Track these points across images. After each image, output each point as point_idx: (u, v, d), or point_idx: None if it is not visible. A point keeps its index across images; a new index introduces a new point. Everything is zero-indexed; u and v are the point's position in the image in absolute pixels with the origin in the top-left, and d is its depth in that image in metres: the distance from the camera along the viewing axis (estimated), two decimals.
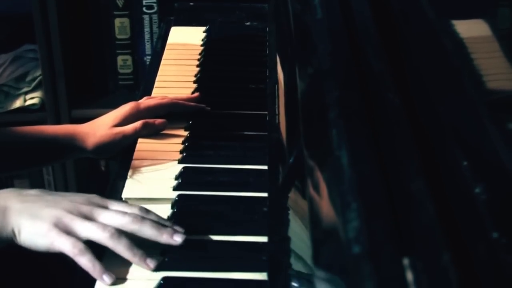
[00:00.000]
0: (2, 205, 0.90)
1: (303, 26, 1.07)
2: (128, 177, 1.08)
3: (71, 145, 1.19)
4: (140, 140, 1.18)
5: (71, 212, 0.89)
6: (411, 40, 0.89)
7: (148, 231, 0.89)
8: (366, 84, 0.83)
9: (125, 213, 0.91)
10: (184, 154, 1.13)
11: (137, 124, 1.18)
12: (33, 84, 2.05)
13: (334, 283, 0.64)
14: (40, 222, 0.88)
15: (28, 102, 2.04)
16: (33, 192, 0.93)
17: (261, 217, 0.97)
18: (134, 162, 1.12)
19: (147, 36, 2.08)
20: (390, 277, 0.57)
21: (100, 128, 1.19)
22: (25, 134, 1.20)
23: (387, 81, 0.82)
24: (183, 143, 1.17)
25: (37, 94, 2.05)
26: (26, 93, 2.06)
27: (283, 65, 1.18)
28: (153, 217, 0.92)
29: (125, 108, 1.21)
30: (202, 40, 1.56)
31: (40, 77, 2.03)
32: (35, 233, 0.88)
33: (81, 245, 0.87)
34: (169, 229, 0.90)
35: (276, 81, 1.20)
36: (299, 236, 0.82)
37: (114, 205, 0.93)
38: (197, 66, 1.44)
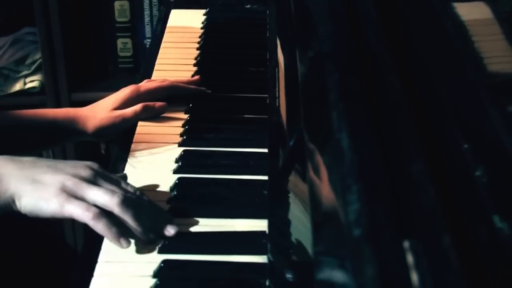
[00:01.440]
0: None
1: (304, 8, 1.07)
2: (128, 160, 1.08)
3: (72, 128, 1.19)
4: (140, 123, 1.18)
5: (74, 177, 0.88)
6: (412, 22, 0.88)
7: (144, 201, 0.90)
8: (366, 66, 0.83)
9: (127, 183, 0.91)
10: (184, 137, 1.13)
11: (137, 107, 1.18)
12: (33, 67, 2.05)
13: (335, 266, 0.64)
14: (44, 187, 0.87)
15: (28, 85, 2.04)
16: (29, 159, 0.91)
17: (262, 200, 0.97)
18: (134, 145, 1.12)
19: (147, 19, 2.07)
20: (390, 259, 0.57)
21: (100, 111, 1.19)
22: (26, 117, 1.20)
23: (388, 64, 0.82)
24: (183, 126, 1.17)
25: (37, 77, 2.05)
26: (26, 76, 2.05)
27: (283, 47, 1.18)
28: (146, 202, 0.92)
29: (125, 91, 1.21)
30: (202, 23, 1.55)
31: (40, 60, 2.03)
32: (39, 198, 0.87)
33: (95, 209, 0.86)
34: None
35: (276, 64, 1.19)
36: (299, 219, 0.82)
37: (114, 176, 0.93)
38: (197, 49, 1.44)
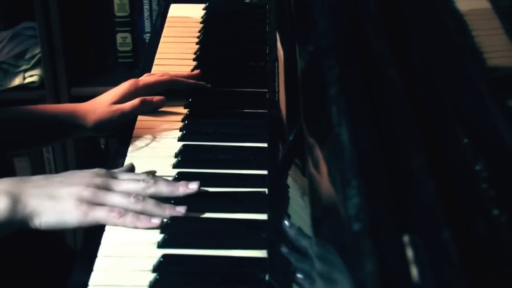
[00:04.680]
0: (15, 190, 0.90)
1: (303, 3, 1.07)
2: (127, 154, 1.08)
3: (72, 123, 1.19)
4: (140, 117, 1.18)
5: (88, 186, 0.91)
6: (412, 16, 0.88)
7: (164, 189, 0.93)
8: (366, 61, 0.83)
9: (138, 180, 0.94)
10: (184, 131, 1.13)
11: (135, 101, 1.18)
12: (32, 61, 2.05)
13: (334, 260, 0.64)
14: (63, 201, 0.89)
15: (27, 80, 2.04)
16: (39, 177, 0.94)
17: (261, 194, 0.97)
18: (134, 140, 1.12)
19: (146, 13, 2.07)
20: (390, 254, 0.57)
21: (100, 105, 1.19)
22: (26, 113, 1.20)
23: (388, 58, 0.82)
24: (182, 120, 1.17)
25: (36, 72, 2.04)
26: (25, 70, 2.05)
27: (283, 42, 1.18)
28: (162, 180, 0.95)
29: (124, 86, 1.21)
30: (202, 17, 1.55)
31: (39, 54, 2.02)
32: (61, 211, 0.89)
33: (118, 208, 0.90)
34: (182, 182, 0.95)
35: (276, 58, 1.19)
36: (299, 213, 0.82)
37: (123, 175, 0.96)
38: (197, 43, 1.44)
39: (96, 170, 0.96)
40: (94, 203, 0.90)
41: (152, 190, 0.93)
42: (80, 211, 0.89)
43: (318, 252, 0.69)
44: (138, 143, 1.11)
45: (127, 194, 0.91)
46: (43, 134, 1.23)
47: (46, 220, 0.89)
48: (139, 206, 0.91)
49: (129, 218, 0.90)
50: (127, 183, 0.93)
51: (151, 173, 0.97)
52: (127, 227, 0.90)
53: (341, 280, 0.61)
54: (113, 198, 0.91)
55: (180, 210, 0.92)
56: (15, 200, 0.89)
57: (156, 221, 0.90)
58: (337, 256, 0.64)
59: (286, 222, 0.82)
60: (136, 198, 0.91)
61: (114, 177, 0.95)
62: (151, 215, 0.91)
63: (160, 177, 0.97)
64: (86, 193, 0.90)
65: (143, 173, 0.97)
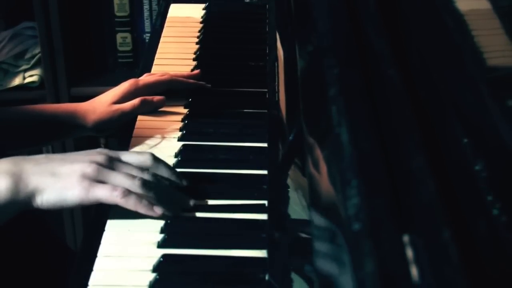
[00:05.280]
0: (16, 169, 0.88)
1: (303, 2, 1.07)
2: None
3: (72, 122, 1.19)
4: (139, 117, 1.18)
5: (92, 163, 0.90)
6: (412, 16, 0.88)
7: (165, 172, 0.94)
8: (366, 61, 0.83)
9: (142, 168, 0.93)
10: (184, 131, 1.13)
11: (135, 101, 1.18)
12: (32, 61, 2.05)
13: (334, 260, 0.64)
14: (65, 177, 0.88)
15: (27, 80, 2.04)
16: (41, 156, 0.93)
17: (261, 194, 0.97)
18: (134, 140, 1.12)
19: (146, 13, 2.07)
20: (390, 254, 0.57)
21: (100, 105, 1.19)
22: (25, 112, 1.20)
23: (388, 58, 0.82)
24: (182, 120, 1.17)
25: (36, 72, 2.04)
26: (25, 70, 2.05)
27: (283, 42, 1.18)
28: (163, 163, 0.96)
29: (125, 85, 1.21)
30: (202, 17, 1.55)
31: (39, 54, 2.02)
32: (62, 188, 0.88)
33: (121, 188, 0.88)
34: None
35: (276, 58, 1.19)
36: (299, 213, 0.82)
37: (126, 156, 0.95)
38: (197, 43, 1.44)
39: (101, 150, 0.95)
40: (97, 181, 0.89)
41: (153, 170, 0.93)
42: (82, 188, 0.87)
43: (318, 251, 0.69)
44: (138, 143, 1.11)
45: (132, 176, 0.90)
46: (43, 133, 1.23)
47: (47, 198, 0.88)
48: (143, 190, 0.89)
49: (132, 200, 0.88)
50: (131, 167, 0.92)
51: (154, 156, 0.96)
52: (128, 208, 0.89)
53: (341, 280, 0.61)
54: (117, 177, 0.90)
55: (158, 211, 0.91)
56: (16, 180, 0.88)
57: (158, 211, 0.90)
58: (337, 256, 0.64)
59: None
60: (142, 181, 0.89)
61: (116, 156, 0.94)
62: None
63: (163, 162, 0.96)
64: (89, 169, 0.89)
65: (148, 153, 0.96)
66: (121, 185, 0.89)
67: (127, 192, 0.88)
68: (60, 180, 0.88)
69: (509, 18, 0.74)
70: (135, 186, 0.89)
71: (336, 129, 0.72)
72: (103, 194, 0.88)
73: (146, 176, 0.91)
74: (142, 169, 0.93)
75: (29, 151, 2.09)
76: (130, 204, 0.88)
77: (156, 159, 0.95)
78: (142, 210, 0.89)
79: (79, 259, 0.90)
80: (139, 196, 0.89)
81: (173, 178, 0.95)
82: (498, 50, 0.75)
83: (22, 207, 0.88)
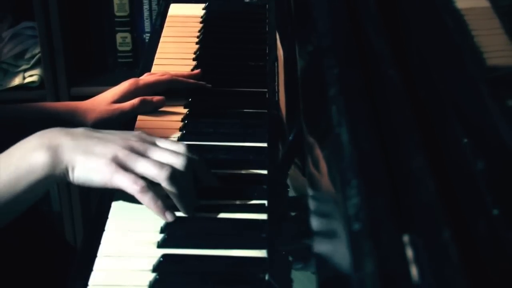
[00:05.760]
0: (54, 143, 0.90)
1: (303, 2, 1.07)
2: None
3: (72, 121, 1.19)
4: (139, 117, 1.18)
5: (125, 148, 0.91)
6: (412, 16, 0.88)
7: (197, 166, 0.94)
8: (366, 61, 0.83)
9: (176, 152, 0.93)
10: (184, 131, 1.13)
11: (135, 101, 1.18)
12: (32, 61, 2.05)
13: (334, 260, 0.64)
14: (95, 158, 0.89)
15: (27, 80, 2.04)
16: (81, 130, 0.94)
17: (261, 194, 0.97)
18: None
19: (146, 13, 2.07)
20: (390, 254, 0.57)
21: (100, 104, 1.19)
22: (25, 110, 1.20)
23: (388, 58, 0.81)
24: (182, 120, 1.17)
25: (36, 72, 2.04)
26: (25, 70, 2.05)
27: (282, 42, 1.18)
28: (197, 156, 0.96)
29: (124, 85, 1.21)
30: (202, 17, 1.55)
31: (39, 54, 2.03)
32: (91, 169, 0.89)
33: (142, 182, 0.89)
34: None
35: (276, 58, 1.19)
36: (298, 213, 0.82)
37: (161, 142, 0.95)
38: (197, 43, 1.44)
39: (138, 133, 0.96)
40: (125, 167, 0.89)
41: (187, 163, 0.92)
42: (108, 172, 0.88)
43: (317, 251, 0.69)
44: None
45: (161, 165, 0.90)
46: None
47: (78, 176, 0.89)
48: (167, 183, 0.89)
49: (147, 198, 0.89)
50: (166, 154, 0.92)
51: (189, 146, 0.96)
52: (142, 203, 0.89)
53: (341, 280, 0.61)
54: (145, 165, 0.90)
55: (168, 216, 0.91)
56: (53, 154, 0.89)
57: (169, 216, 0.90)
58: (337, 256, 0.64)
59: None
60: (169, 172, 0.89)
61: (152, 142, 0.94)
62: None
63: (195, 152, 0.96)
64: (120, 154, 0.90)
65: (182, 144, 0.96)
66: (147, 175, 0.90)
67: (146, 189, 0.88)
68: (91, 159, 0.89)
69: (509, 18, 0.74)
70: (161, 177, 0.90)
71: (336, 129, 0.72)
72: (124, 183, 0.89)
73: (179, 163, 0.92)
74: (177, 153, 0.93)
75: None
76: (146, 200, 0.89)
77: (190, 150, 0.95)
78: (154, 210, 0.90)
79: (79, 259, 0.90)
80: (156, 196, 0.89)
81: (202, 172, 0.95)
82: (498, 50, 0.75)
83: (58, 181, 0.90)
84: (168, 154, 0.92)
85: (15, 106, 1.21)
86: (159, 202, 0.89)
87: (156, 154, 0.92)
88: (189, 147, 0.96)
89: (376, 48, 0.84)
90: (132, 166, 0.90)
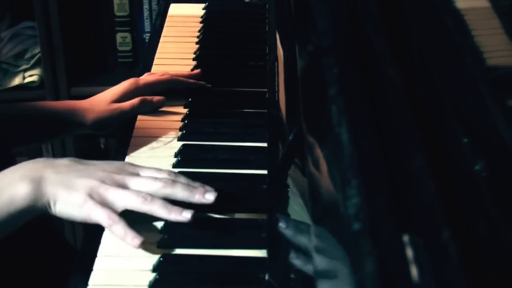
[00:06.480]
0: (37, 175, 0.90)
1: (303, 2, 1.07)
2: (127, 154, 1.08)
3: (71, 120, 1.19)
4: (139, 117, 1.18)
5: (104, 181, 0.90)
6: (412, 16, 0.88)
7: (180, 193, 0.91)
8: (366, 61, 0.83)
9: (156, 178, 0.92)
10: (184, 131, 1.13)
11: (135, 100, 1.18)
12: (32, 61, 2.05)
13: (334, 260, 0.64)
14: (75, 193, 0.89)
15: (27, 80, 2.04)
16: (65, 161, 0.93)
17: (261, 194, 0.97)
18: (133, 140, 1.12)
19: (146, 13, 2.07)
20: (390, 254, 0.57)
21: (99, 103, 1.19)
22: (25, 109, 1.20)
23: (388, 58, 0.81)
24: (182, 120, 1.17)
25: (36, 72, 2.04)
26: (25, 70, 2.05)
27: (282, 42, 1.18)
28: (183, 180, 0.93)
29: (125, 85, 1.21)
30: (202, 17, 1.55)
31: (39, 54, 2.03)
32: (71, 204, 0.89)
33: (115, 216, 0.88)
34: (200, 189, 0.92)
35: (275, 58, 1.19)
36: (299, 213, 0.82)
37: (145, 172, 0.94)
38: (197, 43, 1.44)
39: (121, 164, 0.95)
40: (102, 201, 0.89)
41: (167, 190, 0.91)
42: (86, 207, 0.88)
43: (317, 251, 0.69)
44: (138, 143, 1.11)
45: (137, 193, 0.90)
46: (41, 130, 1.23)
47: (59, 210, 0.89)
48: (146, 207, 0.89)
49: (117, 228, 0.87)
50: (143, 181, 0.92)
51: (174, 173, 0.95)
52: (116, 236, 0.88)
53: (341, 280, 0.61)
54: (121, 198, 0.89)
55: (187, 215, 0.89)
56: (35, 187, 0.89)
57: (136, 241, 0.87)
58: (337, 256, 0.64)
59: (282, 224, 0.82)
60: (144, 198, 0.89)
61: (135, 173, 0.93)
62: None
63: (182, 177, 0.94)
64: (99, 189, 0.89)
65: (167, 171, 0.95)
66: (125, 206, 0.89)
67: (117, 221, 0.87)
68: (71, 194, 0.89)
69: (509, 18, 0.74)
70: (136, 204, 0.89)
71: (336, 129, 0.72)
72: (100, 219, 0.88)
73: (155, 187, 0.91)
74: (156, 179, 0.92)
75: (29, 150, 2.10)
76: (116, 230, 0.88)
77: (174, 175, 0.94)
78: (125, 240, 0.87)
79: (79, 259, 0.90)
80: (126, 225, 0.87)
81: (187, 200, 0.92)
82: (498, 50, 0.75)
83: (40, 213, 0.90)
84: (146, 181, 0.92)
85: (14, 105, 1.21)
86: (129, 231, 0.87)
87: (134, 183, 0.91)
88: (171, 172, 0.95)
89: (376, 48, 0.84)
90: (109, 200, 0.89)
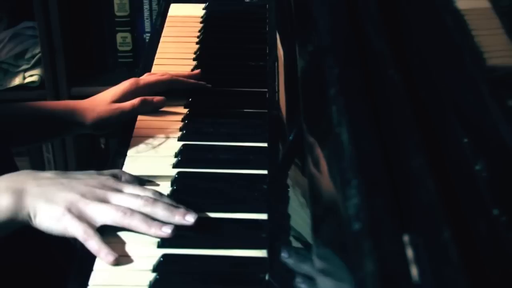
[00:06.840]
0: (19, 188, 0.90)
1: (303, 2, 1.07)
2: (127, 154, 1.08)
3: (71, 120, 1.19)
4: (140, 117, 1.18)
5: (85, 196, 0.90)
6: (412, 16, 0.88)
7: (160, 212, 0.90)
8: (366, 60, 0.83)
9: (138, 195, 0.91)
10: (184, 131, 1.13)
11: (135, 101, 1.18)
12: (32, 61, 2.05)
13: (334, 260, 0.64)
14: (55, 206, 0.89)
15: (27, 80, 2.04)
16: (48, 174, 0.93)
17: (261, 194, 0.97)
18: (134, 140, 1.12)
19: (146, 13, 2.07)
20: (390, 254, 0.57)
21: (99, 103, 1.19)
22: (25, 109, 1.20)
23: (388, 58, 0.82)
24: (183, 120, 1.17)
25: (36, 72, 2.04)
26: (25, 70, 2.05)
27: (283, 42, 1.18)
28: (166, 200, 0.92)
29: (125, 85, 1.21)
30: (202, 17, 1.55)
31: (39, 54, 2.03)
32: (50, 217, 0.89)
33: (90, 231, 0.87)
34: (181, 209, 0.91)
35: (276, 58, 1.19)
36: (299, 213, 0.82)
37: (129, 188, 0.93)
38: (197, 43, 1.44)
39: (105, 178, 0.94)
40: (81, 216, 0.88)
41: (147, 209, 0.90)
42: (64, 221, 0.88)
43: (318, 252, 0.69)
44: (138, 143, 1.11)
45: (116, 207, 0.89)
46: (41, 130, 1.23)
47: (39, 223, 0.89)
48: (126, 221, 0.88)
49: (91, 243, 0.87)
50: (124, 198, 0.91)
51: (159, 193, 0.93)
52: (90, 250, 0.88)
53: (341, 280, 0.61)
54: (100, 213, 0.89)
55: (166, 230, 0.88)
56: (17, 199, 0.89)
57: (110, 258, 0.86)
58: (337, 256, 0.64)
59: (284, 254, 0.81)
60: (124, 212, 0.88)
61: (118, 189, 0.93)
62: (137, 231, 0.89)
63: (165, 197, 0.93)
64: (79, 203, 0.89)
65: (151, 190, 0.94)
66: (104, 221, 0.89)
67: (92, 235, 0.87)
68: (51, 208, 0.89)
69: (509, 18, 0.74)
70: (115, 219, 0.88)
71: (336, 129, 0.72)
72: (77, 234, 0.87)
73: (136, 204, 0.90)
74: (137, 196, 0.91)
75: (29, 150, 2.10)
76: (90, 245, 0.87)
77: (158, 194, 0.93)
78: (98, 255, 0.87)
79: (79, 259, 0.90)
80: (100, 241, 0.87)
81: (167, 221, 0.90)
82: (498, 50, 0.75)
83: (21, 225, 0.90)
84: (127, 197, 0.91)
85: (14, 104, 1.20)
86: (103, 246, 0.86)
87: (115, 199, 0.91)
88: (155, 191, 0.93)
89: (376, 48, 0.84)
90: (88, 214, 0.89)
